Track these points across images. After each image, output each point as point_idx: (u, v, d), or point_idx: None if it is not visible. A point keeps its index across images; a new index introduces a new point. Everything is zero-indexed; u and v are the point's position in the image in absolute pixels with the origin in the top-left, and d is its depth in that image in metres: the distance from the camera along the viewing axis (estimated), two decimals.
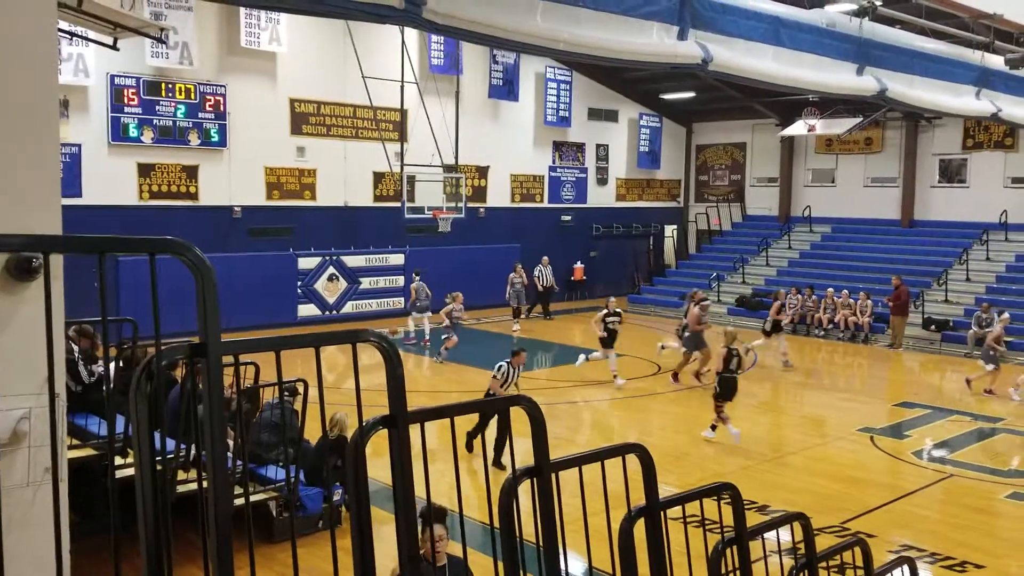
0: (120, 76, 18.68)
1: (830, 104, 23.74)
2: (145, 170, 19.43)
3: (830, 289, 22.67)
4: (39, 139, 3.35)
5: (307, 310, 21.68)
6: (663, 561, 3.27)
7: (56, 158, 3.46)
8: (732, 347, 12.75)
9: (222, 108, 20.19)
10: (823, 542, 8.06)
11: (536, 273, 24.37)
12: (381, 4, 6.27)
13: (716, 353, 13.08)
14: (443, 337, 18.07)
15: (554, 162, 27.58)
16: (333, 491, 8.21)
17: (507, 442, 9.05)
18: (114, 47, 11.52)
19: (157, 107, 19.35)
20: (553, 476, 2.97)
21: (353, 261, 22.47)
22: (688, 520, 4.21)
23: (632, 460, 3.34)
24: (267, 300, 20.66)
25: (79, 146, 18.40)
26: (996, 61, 15.42)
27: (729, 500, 3.95)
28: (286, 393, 9.59)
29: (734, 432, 12.41)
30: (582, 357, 16.82)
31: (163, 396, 2.13)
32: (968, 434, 13.55)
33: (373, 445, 2.50)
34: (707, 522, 4.12)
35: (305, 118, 21.71)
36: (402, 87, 20.35)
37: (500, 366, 11.29)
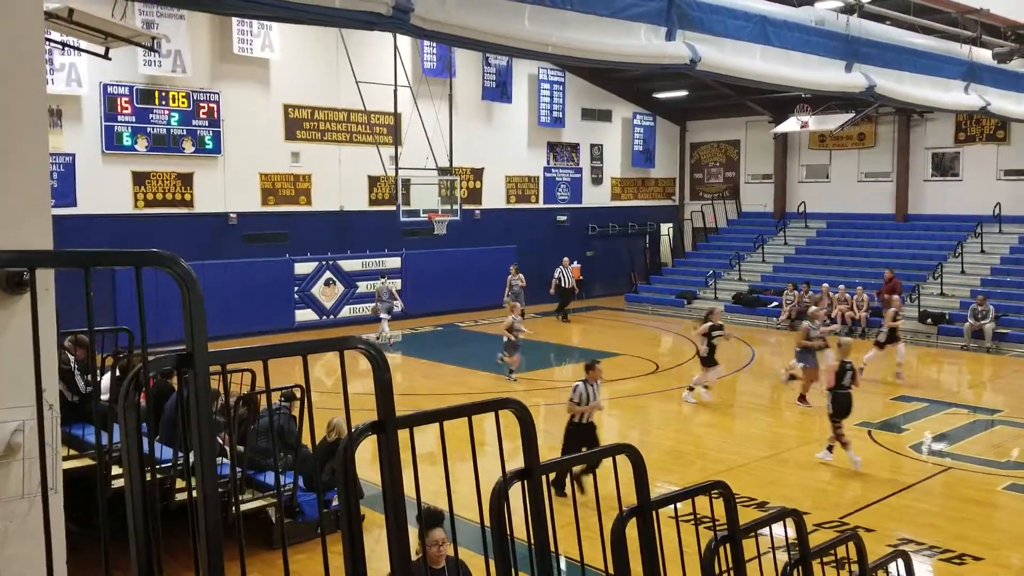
0: (113, 85, 18.70)
1: (822, 100, 23.79)
2: (140, 178, 19.44)
3: (825, 284, 22.70)
4: (28, 150, 3.37)
5: (304, 315, 21.69)
6: (656, 561, 3.30)
7: (45, 169, 3.47)
8: (846, 360, 11.58)
9: (216, 115, 20.21)
10: (822, 537, 8.09)
11: (557, 274, 24.39)
12: (368, 11, 6.30)
13: (827, 367, 12.04)
14: (501, 356, 16.99)
15: (549, 163, 27.61)
16: (329, 496, 8.24)
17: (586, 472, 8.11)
18: (106, 56, 11.58)
19: (151, 115, 19.37)
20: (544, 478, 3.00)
21: (350, 265, 22.49)
22: (684, 518, 4.24)
23: (623, 460, 3.37)
24: (264, 306, 20.69)
25: (73, 155, 18.41)
26: (984, 55, 15.49)
27: (720, 498, 3.97)
28: (283, 399, 9.63)
29: (855, 459, 11.19)
30: (689, 394, 15.04)
31: (155, 406, 2.15)
32: (965, 426, 13.58)
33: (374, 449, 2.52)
34: (704, 520, 4.16)
35: (299, 123, 21.74)
36: (395, 91, 20.37)
37: (576, 387, 10.13)
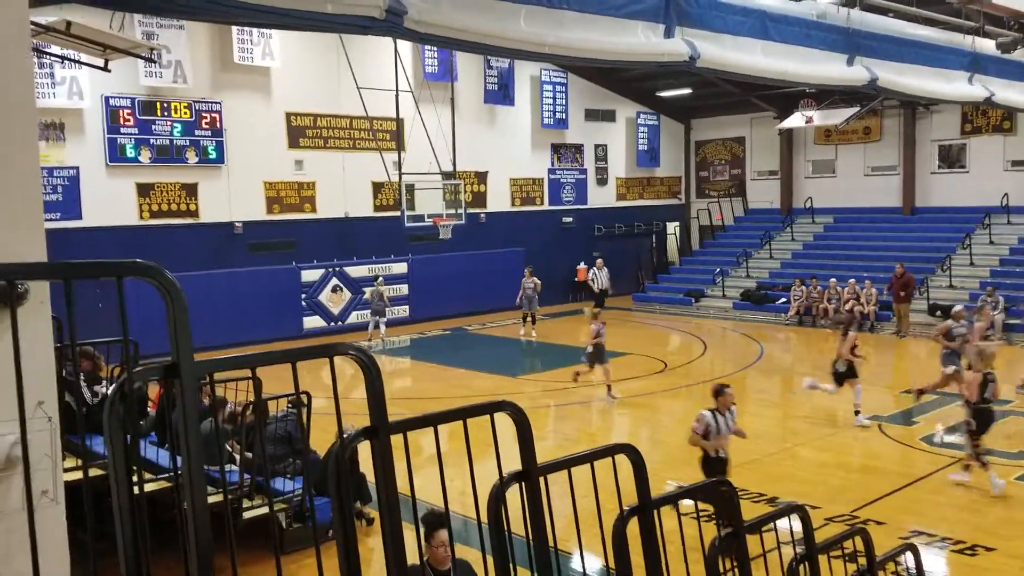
0: (115, 97, 18.76)
1: (827, 95, 23.70)
2: (144, 190, 19.50)
3: (832, 280, 22.61)
4: (18, 162, 3.35)
5: (312, 322, 21.72)
6: (658, 561, 3.27)
7: (36, 180, 3.46)
8: (989, 371, 10.42)
9: (218, 125, 20.26)
10: (833, 531, 8.05)
11: (591, 275, 24.22)
12: (361, 16, 6.29)
13: (969, 379, 10.80)
14: (577, 373, 15.53)
15: (553, 164, 27.59)
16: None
17: None
18: (105, 68, 11.61)
19: (153, 126, 19.42)
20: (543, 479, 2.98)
21: (356, 271, 22.51)
22: (690, 515, 4.21)
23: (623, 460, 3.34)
24: (272, 314, 20.72)
25: (77, 168, 18.49)
26: (987, 45, 15.39)
27: (715, 496, 3.94)
28: (290, 405, 9.63)
29: (997, 483, 9.98)
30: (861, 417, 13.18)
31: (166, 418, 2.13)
32: None
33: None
34: (716, 516, 4.12)
35: (302, 131, 21.77)
36: (397, 96, 20.39)
37: (702, 417, 8.87)
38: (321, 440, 9.70)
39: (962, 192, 25.45)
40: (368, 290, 21.29)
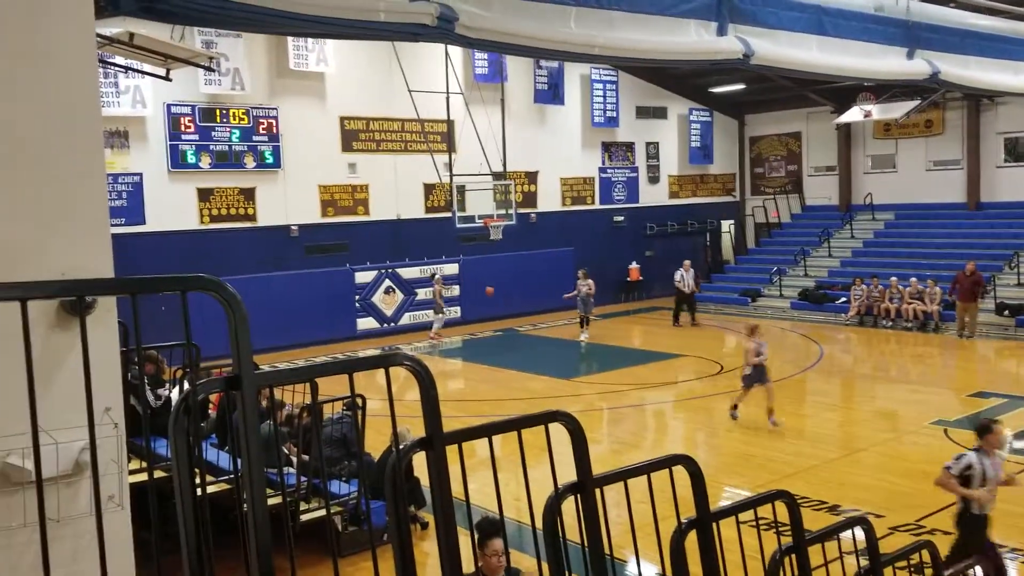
0: (176, 105, 19.17)
1: (886, 88, 23.21)
2: (204, 195, 19.89)
3: (893, 278, 22.13)
4: (86, 175, 3.44)
5: (366, 324, 21.94)
6: (717, 573, 3.23)
7: (103, 192, 3.55)
8: None
9: (275, 130, 20.58)
10: (898, 541, 7.88)
11: (678, 277, 23.43)
12: (413, 23, 6.34)
13: None
14: (735, 406, 13.58)
15: (604, 163, 27.47)
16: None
17: None
18: (167, 78, 11.85)
19: (213, 133, 19.80)
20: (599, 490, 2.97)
21: (408, 273, 22.68)
22: (749, 524, 4.15)
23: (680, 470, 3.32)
24: (327, 315, 21.00)
25: (141, 175, 18.93)
26: None
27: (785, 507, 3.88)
28: (346, 408, 9.73)
29: None
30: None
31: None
32: None
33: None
34: (771, 525, 4.06)
35: (355, 135, 22.01)
36: (448, 98, 20.49)
37: (963, 457, 7.24)
38: (376, 442, 9.79)
39: None
40: (429, 290, 21.51)
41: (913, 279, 21.85)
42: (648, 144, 28.57)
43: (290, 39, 20.04)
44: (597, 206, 27.33)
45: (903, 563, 4.50)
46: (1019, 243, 23.20)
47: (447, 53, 19.85)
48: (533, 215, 25.34)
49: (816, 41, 10.12)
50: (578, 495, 2.85)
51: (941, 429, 12.68)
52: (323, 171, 21.50)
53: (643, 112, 28.19)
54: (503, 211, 21.02)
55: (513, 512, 5.28)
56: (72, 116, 3.38)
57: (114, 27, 10.68)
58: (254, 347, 2.19)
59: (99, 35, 9.24)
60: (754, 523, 3.74)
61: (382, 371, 2.43)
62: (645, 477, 3.20)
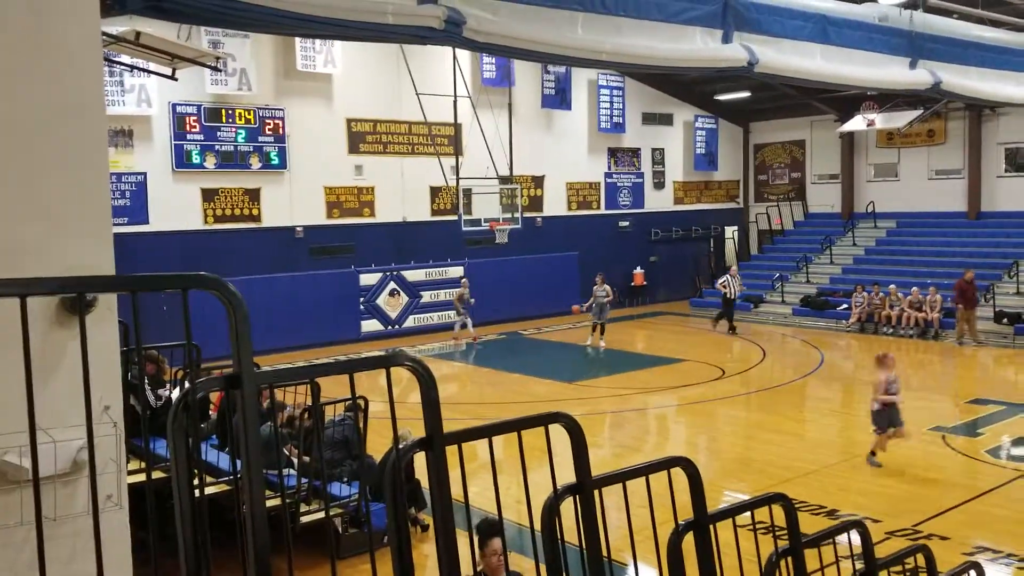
0: (182, 104, 19.20)
1: (889, 98, 23.22)
2: (209, 195, 19.92)
3: (892, 286, 22.14)
4: (89, 174, 3.46)
5: (370, 326, 21.95)
6: (713, 574, 3.24)
7: (105, 191, 3.56)
8: None
9: (281, 131, 20.61)
10: (894, 546, 7.88)
11: (722, 281, 22.97)
12: (421, 26, 6.36)
13: None
14: (874, 448, 11.39)
15: (610, 168, 27.49)
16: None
17: None
18: (173, 77, 11.88)
19: (218, 133, 19.83)
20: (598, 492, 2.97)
21: (413, 275, 22.70)
22: (747, 528, 4.15)
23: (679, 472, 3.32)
24: (331, 317, 21.01)
25: (145, 174, 18.96)
26: None
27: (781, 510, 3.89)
28: (347, 410, 9.74)
29: None
30: None
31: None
32: None
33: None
34: (772, 529, 4.06)
35: (362, 137, 22.04)
36: (455, 102, 20.51)
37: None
38: (378, 444, 9.80)
39: None
40: (437, 291, 21.43)
41: (914, 288, 21.83)
42: (654, 150, 28.60)
43: (297, 40, 20.08)
44: (602, 211, 27.35)
45: (898, 567, 4.51)
46: (1018, 252, 23.21)
47: (455, 56, 19.88)
48: (539, 219, 25.35)
49: (820, 50, 10.14)
50: (577, 496, 2.86)
51: (939, 435, 12.68)
52: (329, 173, 21.53)
53: (649, 118, 28.22)
54: (509, 215, 21.04)
55: (513, 514, 5.29)
56: (77, 114, 3.39)
57: (120, 26, 10.73)
58: (256, 348, 2.20)
59: (105, 33, 9.28)
60: (751, 526, 3.75)
61: (384, 373, 2.43)
62: (644, 480, 3.20)
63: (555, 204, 26.13)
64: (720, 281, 23.06)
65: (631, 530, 3.22)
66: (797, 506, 4.10)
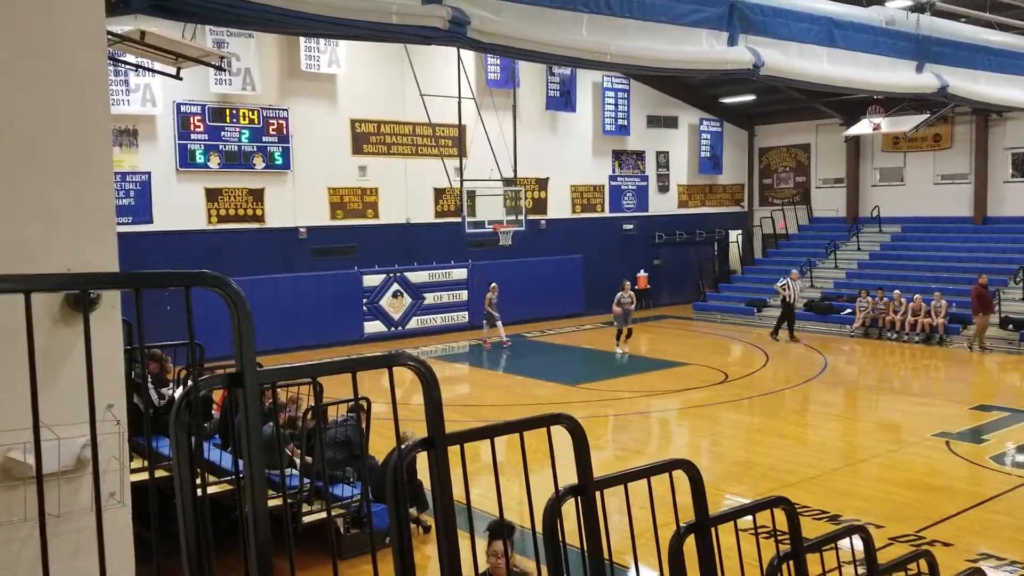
0: (186, 104, 19.23)
1: (895, 102, 23.19)
2: (213, 195, 19.94)
3: (896, 291, 22.10)
4: (93, 172, 3.46)
5: (373, 327, 21.95)
6: None
7: (109, 190, 3.57)
8: None
9: (285, 131, 20.63)
10: (897, 551, 7.85)
11: (781, 284, 22.24)
12: (425, 26, 6.36)
13: None
14: None
15: (614, 171, 27.48)
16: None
17: None
18: (177, 76, 11.89)
19: (222, 133, 19.86)
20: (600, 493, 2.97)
21: (416, 277, 22.70)
22: (748, 532, 4.14)
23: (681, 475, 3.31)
24: (334, 318, 21.01)
25: (149, 174, 18.99)
26: None
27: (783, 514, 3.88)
28: (350, 411, 9.74)
29: None
30: None
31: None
32: None
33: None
34: (774, 533, 4.06)
35: (366, 138, 22.05)
36: (459, 103, 20.52)
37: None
38: (381, 445, 9.79)
39: None
40: (489, 295, 21.15)
41: (917, 296, 21.79)
42: (658, 153, 28.58)
43: (302, 40, 20.10)
44: (607, 214, 27.33)
45: (901, 573, 4.49)
46: None
47: (459, 57, 19.89)
48: (543, 222, 25.34)
49: (826, 53, 10.13)
50: (578, 498, 2.85)
51: (943, 441, 12.65)
52: (333, 173, 21.54)
53: (654, 121, 28.21)
54: (513, 217, 21.03)
55: (515, 516, 5.29)
56: (81, 113, 3.40)
57: (125, 25, 10.74)
58: (259, 348, 2.20)
59: (110, 33, 9.29)
60: (753, 530, 3.74)
61: (387, 374, 2.43)
62: (646, 482, 3.20)
63: (559, 207, 26.13)
64: (779, 284, 22.31)
65: (632, 532, 3.22)
66: (799, 510, 4.09)
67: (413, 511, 9.10)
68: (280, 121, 20.54)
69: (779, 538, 4.18)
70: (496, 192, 20.98)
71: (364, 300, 21.84)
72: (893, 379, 18.54)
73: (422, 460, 2.54)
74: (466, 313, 23.43)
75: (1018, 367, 18.90)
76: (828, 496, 10.28)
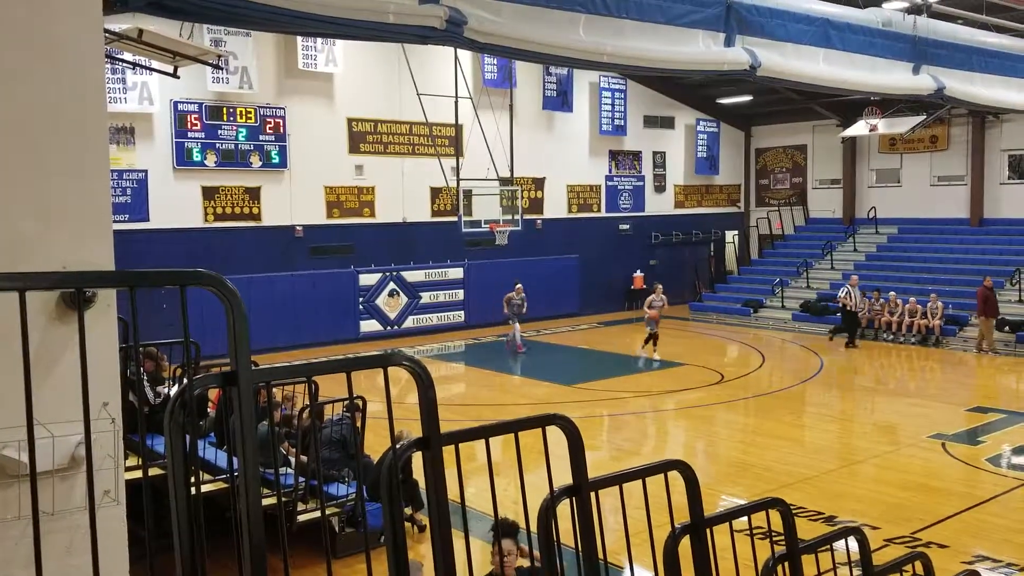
0: (183, 102, 19.21)
1: (892, 103, 23.22)
2: (209, 193, 19.92)
3: (892, 293, 22.13)
4: (89, 169, 3.45)
5: (369, 326, 21.94)
6: None
7: (106, 188, 3.56)
8: None
9: (282, 130, 20.61)
10: (893, 553, 7.86)
11: (842, 293, 21.28)
12: (422, 26, 6.36)
13: None
14: None
15: (611, 171, 27.49)
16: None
17: None
18: (174, 75, 11.87)
19: (219, 131, 19.83)
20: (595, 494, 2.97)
21: (413, 276, 22.70)
22: (744, 533, 4.15)
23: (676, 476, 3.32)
24: (330, 317, 21.00)
25: (145, 172, 18.96)
26: None
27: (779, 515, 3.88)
28: (346, 410, 9.73)
29: None
30: None
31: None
32: None
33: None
34: (769, 534, 4.06)
35: (362, 137, 22.04)
36: (456, 103, 20.51)
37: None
38: (376, 445, 9.80)
39: None
40: (511, 294, 20.85)
41: (912, 298, 21.81)
42: (655, 153, 28.60)
43: (299, 39, 20.08)
44: (603, 214, 27.34)
45: (896, 575, 4.49)
46: (1021, 260, 23.21)
47: (456, 57, 19.88)
48: (539, 221, 25.34)
49: (823, 54, 10.15)
50: (573, 498, 2.85)
51: (939, 443, 12.67)
52: (329, 172, 21.53)
53: (650, 121, 28.22)
54: (509, 217, 21.03)
55: (510, 515, 5.29)
56: (77, 111, 3.38)
57: (123, 23, 10.73)
58: (255, 347, 2.20)
59: (107, 31, 9.28)
60: (748, 531, 3.74)
61: (382, 373, 2.43)
62: (641, 483, 3.20)
63: (555, 206, 26.13)
64: (841, 293, 21.31)
65: (627, 533, 3.22)
66: (795, 511, 4.10)
67: (408, 510, 9.10)
68: (277, 120, 20.52)
69: (774, 539, 4.18)
70: (492, 192, 20.97)
71: (360, 299, 21.83)
72: (889, 380, 18.57)
73: (417, 459, 2.54)
74: (462, 312, 23.43)
75: (1014, 369, 18.93)
76: (824, 497, 10.29)
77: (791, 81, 10.39)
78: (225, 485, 7.84)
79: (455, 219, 20.93)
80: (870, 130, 24.73)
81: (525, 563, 5.57)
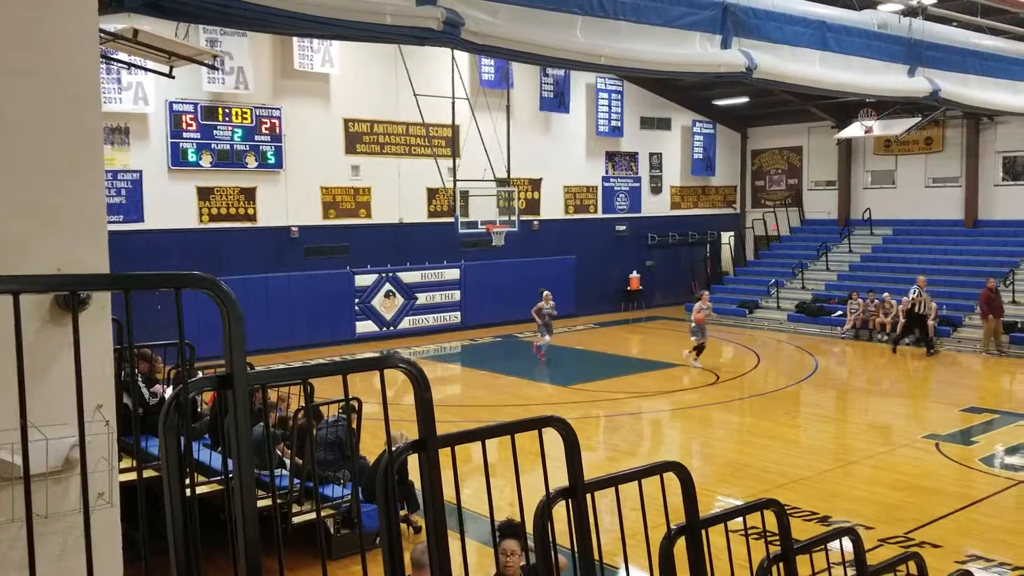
0: (178, 102, 19.17)
1: (887, 105, 23.27)
2: (204, 193, 19.88)
3: (886, 294, 22.17)
4: (84, 171, 3.44)
5: (365, 327, 21.92)
6: None
7: (100, 188, 3.55)
8: None
9: (278, 130, 20.58)
10: (887, 553, 7.87)
11: (911, 294, 20.27)
12: (419, 27, 6.36)
13: None
14: None
15: (607, 172, 27.51)
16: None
17: None
18: (170, 75, 11.86)
19: (215, 131, 19.80)
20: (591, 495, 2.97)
21: (409, 277, 22.68)
22: (739, 533, 4.15)
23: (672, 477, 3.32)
24: (326, 318, 20.98)
25: (140, 172, 18.92)
26: None
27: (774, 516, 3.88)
28: (342, 411, 9.72)
29: None
30: None
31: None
32: None
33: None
34: (764, 535, 4.07)
35: (359, 137, 22.02)
36: (453, 103, 20.51)
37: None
38: (372, 446, 9.80)
39: None
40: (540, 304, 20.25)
41: (904, 299, 21.83)
42: (651, 154, 28.62)
43: (295, 40, 20.06)
44: (600, 215, 27.34)
45: (890, 575, 4.50)
46: (1015, 261, 23.28)
47: (453, 58, 19.87)
48: (536, 222, 25.34)
49: (819, 56, 10.17)
50: (569, 500, 2.86)
51: (933, 443, 12.70)
52: (325, 173, 21.50)
53: (647, 123, 28.24)
54: (506, 218, 21.02)
55: (506, 517, 5.29)
56: (72, 111, 3.37)
57: (118, 23, 10.71)
58: (251, 348, 2.20)
59: (103, 30, 9.26)
60: (743, 532, 3.75)
61: (378, 375, 2.43)
62: (636, 484, 3.20)
63: (552, 207, 26.13)
64: (912, 294, 20.22)
65: (623, 534, 3.22)
66: (789, 512, 4.11)
67: (403, 512, 9.10)
68: (273, 120, 20.49)
69: (769, 540, 4.19)
70: (489, 192, 20.98)
71: (356, 300, 21.81)
72: (883, 381, 18.58)
73: (413, 461, 2.54)
74: (458, 313, 23.42)
75: (1008, 370, 18.98)
76: (818, 497, 10.31)
77: (787, 83, 10.43)
78: (220, 486, 7.84)
79: (452, 220, 20.92)
80: (865, 132, 24.79)
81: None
